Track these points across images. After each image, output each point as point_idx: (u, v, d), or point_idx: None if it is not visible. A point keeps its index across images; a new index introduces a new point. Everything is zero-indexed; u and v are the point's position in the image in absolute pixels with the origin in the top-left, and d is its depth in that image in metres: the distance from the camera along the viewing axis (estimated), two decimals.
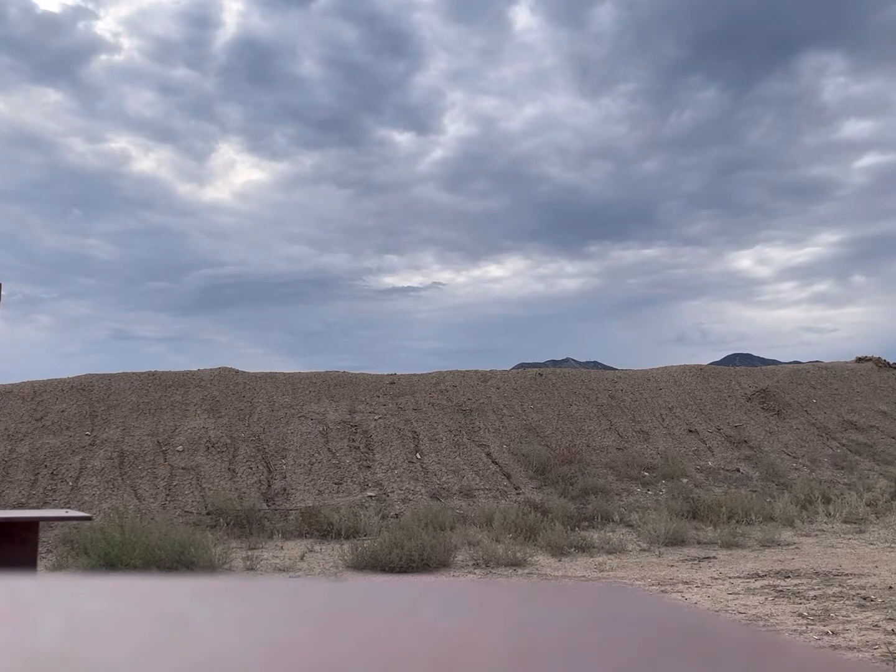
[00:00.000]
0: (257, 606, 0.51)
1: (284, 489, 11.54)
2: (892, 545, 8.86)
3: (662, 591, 6.43)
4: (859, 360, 18.41)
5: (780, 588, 6.48)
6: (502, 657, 0.42)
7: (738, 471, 13.53)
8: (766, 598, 6.07)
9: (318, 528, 9.94)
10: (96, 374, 13.93)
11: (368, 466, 12.35)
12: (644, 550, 8.89)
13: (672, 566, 7.93)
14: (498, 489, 12.00)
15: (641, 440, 14.21)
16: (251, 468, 11.99)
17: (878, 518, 10.79)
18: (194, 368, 14.64)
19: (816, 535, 9.74)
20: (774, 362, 27.28)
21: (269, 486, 11.64)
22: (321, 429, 13.12)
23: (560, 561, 8.32)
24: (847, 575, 6.96)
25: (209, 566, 7.54)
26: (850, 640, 4.69)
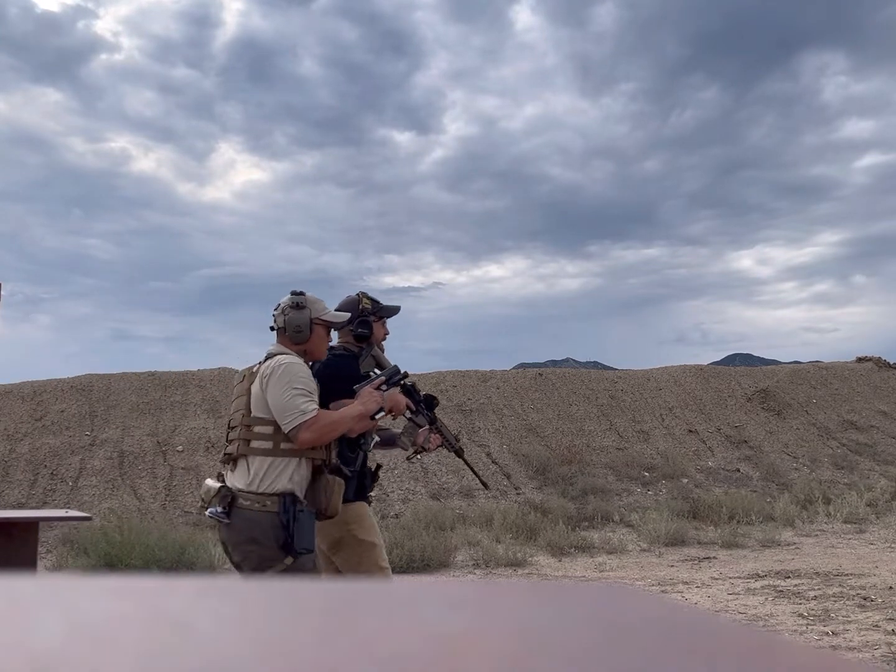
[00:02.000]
0: (257, 606, 0.51)
1: None
2: (893, 545, 8.86)
3: (663, 591, 6.43)
4: (859, 359, 18.41)
5: (780, 588, 6.48)
6: (503, 657, 0.42)
7: (738, 471, 13.53)
8: (766, 599, 6.07)
9: None
10: (96, 374, 13.92)
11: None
12: (644, 550, 8.89)
13: (672, 566, 7.93)
14: (498, 489, 12.00)
15: (641, 440, 14.21)
16: None
17: (878, 518, 10.79)
18: (194, 368, 14.63)
19: (816, 535, 9.73)
20: (774, 362, 27.27)
21: None
22: None
23: (560, 561, 8.32)
24: (847, 575, 6.96)
25: (209, 566, 7.54)
26: (850, 640, 4.69)
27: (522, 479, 12.42)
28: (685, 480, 12.69)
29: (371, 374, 3.66)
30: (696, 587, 6.69)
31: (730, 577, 7.09)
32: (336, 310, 3.73)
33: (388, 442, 3.74)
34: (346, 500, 3.47)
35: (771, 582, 6.79)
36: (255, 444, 3.04)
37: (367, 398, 3.25)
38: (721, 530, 9.52)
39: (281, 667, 0.39)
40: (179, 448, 12.16)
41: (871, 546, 8.86)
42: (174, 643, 0.41)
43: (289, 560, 2.93)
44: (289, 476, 3.00)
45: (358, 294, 3.70)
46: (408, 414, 3.61)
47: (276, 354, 3.14)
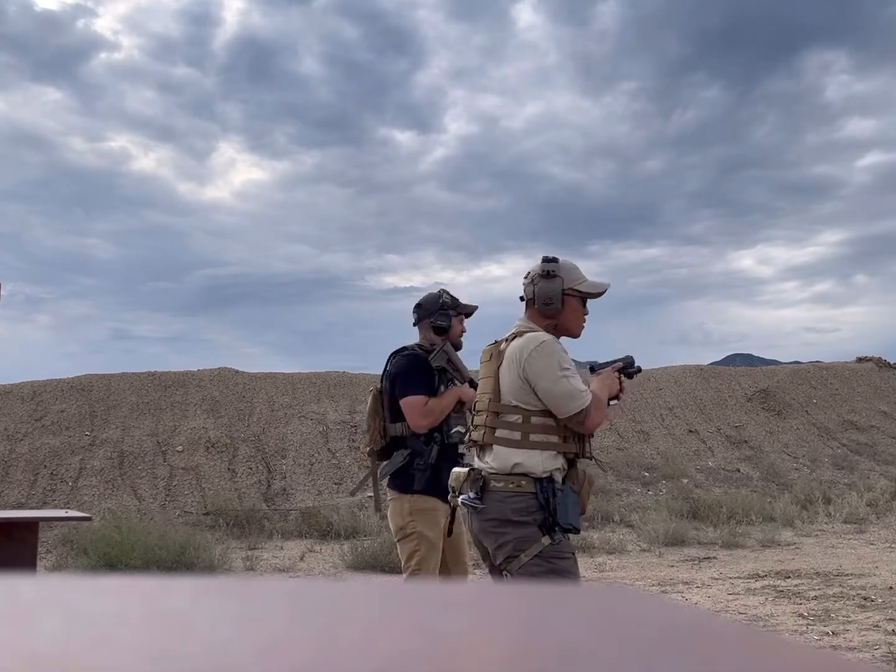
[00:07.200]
0: (257, 606, 0.51)
1: (284, 489, 11.54)
2: (893, 545, 8.86)
3: (663, 592, 6.43)
4: (860, 360, 18.41)
5: (781, 588, 6.48)
6: (503, 657, 0.42)
7: (739, 471, 13.54)
8: (767, 599, 6.07)
9: (318, 528, 9.93)
10: (96, 374, 13.93)
11: (368, 467, 12.33)
12: (644, 551, 8.89)
13: (672, 566, 7.93)
14: None
15: (641, 440, 14.21)
16: (251, 468, 11.99)
17: (878, 518, 10.79)
18: (194, 368, 14.63)
19: (817, 535, 9.73)
20: (775, 362, 27.27)
21: (269, 486, 11.64)
22: (321, 429, 13.12)
23: None
24: (847, 575, 6.96)
25: (209, 566, 7.54)
26: (851, 641, 4.69)
27: None
28: (685, 480, 12.69)
29: (445, 368, 3.63)
30: (696, 587, 6.69)
31: (730, 578, 7.09)
32: (418, 305, 3.72)
33: None
34: (415, 492, 3.54)
35: (771, 582, 6.79)
36: (500, 433, 2.79)
37: (610, 380, 2.92)
38: (721, 530, 9.51)
39: (281, 667, 0.39)
40: (179, 448, 12.16)
41: (872, 546, 8.86)
42: (174, 643, 0.41)
43: (546, 540, 2.66)
44: (544, 462, 2.73)
45: (439, 290, 3.77)
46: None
47: (525, 332, 2.87)
